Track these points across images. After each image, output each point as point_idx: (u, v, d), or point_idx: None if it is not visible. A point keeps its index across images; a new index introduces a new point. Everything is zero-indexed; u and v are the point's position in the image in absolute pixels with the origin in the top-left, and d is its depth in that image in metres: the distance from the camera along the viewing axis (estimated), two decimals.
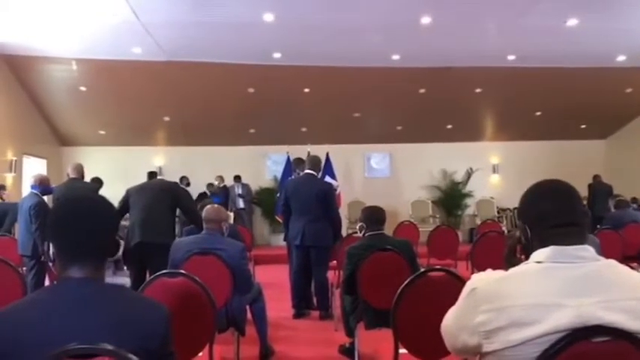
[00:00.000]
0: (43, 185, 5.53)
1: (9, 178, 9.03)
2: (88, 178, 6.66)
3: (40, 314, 1.32)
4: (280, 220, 9.05)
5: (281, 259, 7.77)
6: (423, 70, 9.44)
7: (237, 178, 11.52)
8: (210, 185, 11.19)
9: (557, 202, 1.39)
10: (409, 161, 12.27)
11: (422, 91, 10.26)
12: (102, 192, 7.03)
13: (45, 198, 5.65)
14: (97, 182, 7.40)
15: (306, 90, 10.12)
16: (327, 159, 9.92)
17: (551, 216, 1.37)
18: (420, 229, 7.41)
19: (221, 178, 11.14)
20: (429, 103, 10.61)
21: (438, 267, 2.57)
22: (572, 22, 7.53)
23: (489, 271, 1.41)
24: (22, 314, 1.34)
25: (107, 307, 1.36)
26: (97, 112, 10.62)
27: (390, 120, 11.46)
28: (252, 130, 11.53)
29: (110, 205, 1.56)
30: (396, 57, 8.96)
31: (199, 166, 11.54)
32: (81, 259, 1.41)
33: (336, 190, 7.01)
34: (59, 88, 9.83)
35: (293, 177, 6.37)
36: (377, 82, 9.80)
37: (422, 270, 2.61)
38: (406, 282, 2.47)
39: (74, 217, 1.43)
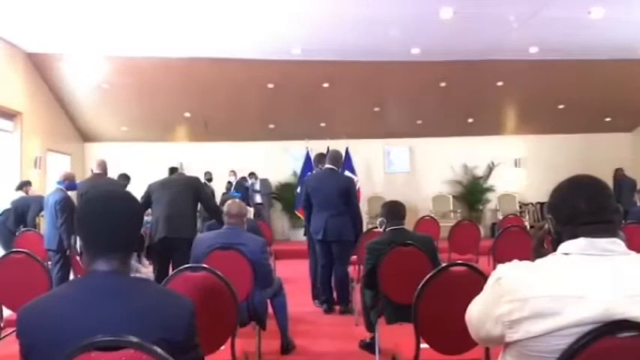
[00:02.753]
0: (68, 181, 5.64)
1: (34, 175, 9.19)
2: (112, 174, 6.76)
3: (68, 306, 1.35)
4: (300, 215, 9.12)
5: (301, 254, 7.79)
6: (443, 63, 9.36)
7: (253, 174, 11.58)
8: (229, 183, 11.24)
9: (591, 200, 1.38)
10: (430, 156, 12.20)
11: (442, 84, 10.19)
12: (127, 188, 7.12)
13: (70, 194, 5.75)
14: (125, 179, 7.49)
15: (326, 85, 10.11)
16: (347, 154, 9.91)
17: (585, 214, 1.36)
18: (441, 224, 7.35)
19: (234, 173, 11.19)
20: (450, 97, 10.54)
21: (459, 262, 2.56)
22: (596, 12, 7.37)
23: (515, 262, 1.40)
24: (50, 306, 1.37)
25: (133, 300, 1.39)
26: (120, 108, 10.76)
27: (410, 114, 11.40)
28: (271, 126, 11.57)
29: (136, 200, 1.60)
30: (416, 51, 8.90)
31: (219, 162, 11.61)
32: (107, 253, 1.44)
33: (356, 185, 7.02)
34: (82, 85, 9.97)
35: (314, 172, 6.39)
36: (397, 76, 9.75)
37: (443, 265, 2.61)
38: (427, 277, 2.46)
39: (101, 211, 1.46)
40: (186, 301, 1.47)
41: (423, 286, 2.45)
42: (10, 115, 8.89)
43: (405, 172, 12.38)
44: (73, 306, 1.36)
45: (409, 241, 3.50)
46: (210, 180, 10.63)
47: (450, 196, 12.10)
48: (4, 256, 3.76)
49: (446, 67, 9.48)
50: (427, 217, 7.42)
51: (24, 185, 7.50)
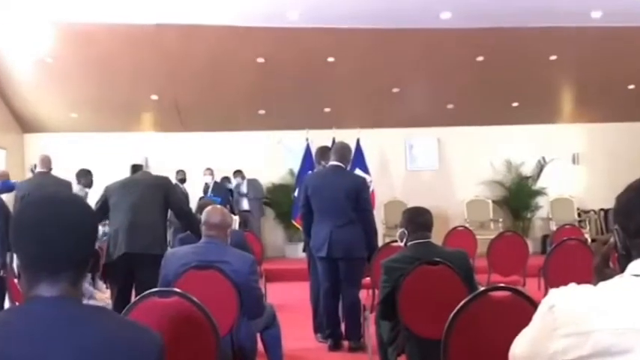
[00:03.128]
0: (1, 180, 5.66)
1: None
2: (59, 173, 6.78)
3: (6, 343, 1.34)
4: (299, 226, 9.14)
5: (299, 275, 7.80)
6: (481, 31, 9.36)
7: (238, 173, 11.58)
8: (206, 185, 11.20)
9: None
10: (463, 149, 12.18)
11: (480, 59, 10.18)
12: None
13: (4, 197, 5.77)
14: (85, 175, 7.41)
15: (331, 59, 10.12)
16: (358, 147, 9.93)
17: None
18: (478, 237, 7.34)
19: (211, 172, 11.12)
20: (489, 75, 10.52)
21: (501, 285, 2.57)
22: None
23: (572, 286, 1.40)
24: None
25: (88, 334, 1.38)
26: (68, 90, 10.79)
27: (439, 96, 11.39)
28: (261, 112, 11.58)
29: (87, 206, 1.59)
30: (446, 15, 8.90)
31: (195, 158, 11.63)
32: (53, 274, 1.43)
33: (369, 186, 7.02)
34: (20, 59, 10.00)
35: (315, 170, 6.39)
36: (421, 48, 9.74)
37: (481, 289, 2.61)
38: (461, 304, 2.47)
39: (44, 220, 1.44)
40: (154, 336, 1.47)
41: (455, 316, 2.45)
42: None
43: (432, 169, 12.36)
44: (12, 343, 1.34)
45: (437, 259, 3.51)
46: (183, 181, 10.67)
47: (490, 201, 12.08)
48: None
49: (484, 36, 9.47)
50: (460, 228, 7.43)
51: None
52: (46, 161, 6.28)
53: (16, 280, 1.51)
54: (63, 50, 9.72)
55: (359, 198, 5.28)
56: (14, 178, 6.08)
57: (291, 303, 6.80)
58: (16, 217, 1.52)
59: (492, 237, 6.81)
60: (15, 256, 1.54)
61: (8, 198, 5.99)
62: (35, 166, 6.91)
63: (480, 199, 12.08)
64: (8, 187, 5.84)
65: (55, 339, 1.35)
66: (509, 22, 9.13)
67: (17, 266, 1.51)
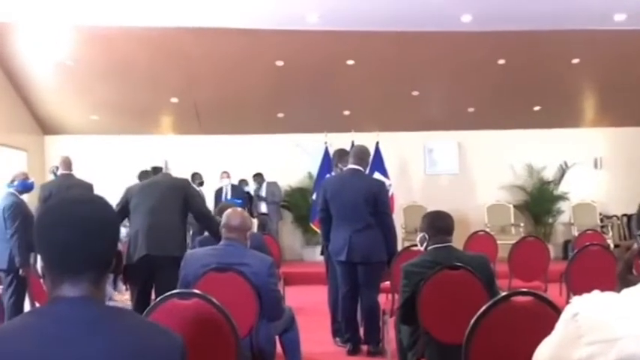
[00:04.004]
0: (20, 181, 5.74)
1: None
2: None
3: (30, 343, 1.36)
4: (317, 229, 9.16)
5: (317, 279, 7.80)
6: (502, 34, 9.31)
7: (258, 177, 11.59)
8: (219, 190, 11.18)
9: None
10: (484, 153, 12.12)
11: (501, 62, 10.13)
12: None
13: (25, 197, 5.85)
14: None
15: (350, 62, 10.13)
16: (377, 150, 9.94)
17: None
18: (499, 242, 7.33)
19: (227, 175, 11.14)
20: (511, 78, 10.47)
21: (524, 290, 2.55)
22: None
23: (596, 293, 1.39)
24: (6, 344, 1.37)
25: (111, 335, 1.39)
26: (89, 92, 10.88)
27: (459, 100, 11.35)
28: (280, 115, 11.61)
29: (110, 207, 1.61)
30: (467, 18, 8.86)
31: (214, 161, 11.68)
32: (75, 275, 1.44)
33: (388, 190, 7.01)
34: (41, 62, 10.12)
35: (333, 173, 6.39)
36: (442, 50, 9.72)
37: (502, 294, 2.59)
38: (482, 309, 2.47)
39: (67, 221, 1.46)
40: (176, 338, 1.48)
41: (476, 321, 2.44)
42: None
43: (452, 173, 12.32)
44: (35, 343, 1.36)
45: (458, 263, 3.50)
46: (201, 184, 10.70)
47: (511, 206, 12.00)
48: None
49: (505, 38, 9.43)
50: (481, 233, 7.39)
51: None
52: (68, 163, 6.36)
53: (41, 280, 1.52)
54: (83, 53, 9.82)
55: (378, 202, 5.27)
56: (32, 178, 6.14)
57: (309, 306, 6.81)
58: (39, 218, 1.53)
59: (513, 242, 6.79)
60: (39, 256, 1.54)
61: (29, 199, 6.05)
62: (57, 168, 6.99)
63: (501, 203, 12.01)
64: (27, 187, 5.90)
65: (77, 340, 1.36)
66: (531, 24, 9.06)
67: (41, 267, 1.52)
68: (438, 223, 3.74)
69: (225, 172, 11.07)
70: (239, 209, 3.90)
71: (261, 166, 11.71)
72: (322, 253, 6.21)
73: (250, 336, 3.37)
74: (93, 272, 1.47)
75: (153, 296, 4.71)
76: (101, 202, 1.57)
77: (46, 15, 8.75)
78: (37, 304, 5.11)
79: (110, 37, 9.27)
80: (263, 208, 11.50)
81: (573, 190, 12.04)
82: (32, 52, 9.87)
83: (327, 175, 6.96)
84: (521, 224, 11.74)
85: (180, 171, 7.50)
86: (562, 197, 12.07)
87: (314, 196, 9.23)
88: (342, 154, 6.17)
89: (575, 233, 10.28)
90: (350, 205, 5.27)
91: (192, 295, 2.71)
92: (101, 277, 1.50)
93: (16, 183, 5.74)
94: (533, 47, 9.59)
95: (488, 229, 9.13)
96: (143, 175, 5.66)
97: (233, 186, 11.05)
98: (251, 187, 11.50)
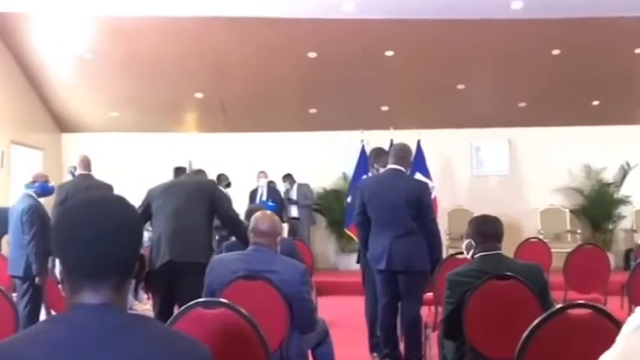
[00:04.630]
0: (39, 183, 5.83)
1: None
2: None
3: (49, 353, 1.38)
4: (352, 235, 9.16)
5: (353, 289, 7.81)
6: (557, 22, 9.22)
7: (288, 177, 11.62)
8: (253, 191, 11.22)
9: None
10: (536, 152, 12.02)
11: (555, 52, 10.03)
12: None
13: (42, 201, 5.95)
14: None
15: (389, 53, 10.11)
16: (418, 149, 9.90)
17: None
18: (553, 250, 7.26)
19: (264, 175, 11.17)
20: (566, 70, 10.36)
21: (581, 302, 2.53)
22: None
23: None
24: (23, 353, 1.40)
25: (132, 344, 1.41)
26: (108, 87, 11.05)
27: (509, 94, 11.26)
28: (313, 110, 11.64)
29: (132, 208, 1.62)
30: (517, 4, 8.79)
31: (241, 160, 11.76)
32: (96, 281, 1.46)
33: (431, 192, 6.97)
34: (58, 55, 10.29)
35: (369, 174, 6.39)
36: (490, 40, 9.66)
37: (557, 306, 2.57)
38: (535, 323, 2.46)
39: (87, 223, 1.48)
40: (203, 349, 1.49)
41: (528, 336, 2.43)
42: None
43: (502, 175, 12.23)
44: (49, 351, 1.38)
45: (508, 273, 3.48)
46: (228, 186, 10.76)
47: (567, 210, 11.88)
48: None
49: (561, 27, 9.33)
50: (533, 240, 7.36)
51: None
52: (86, 162, 6.45)
53: (59, 286, 1.54)
54: (103, 46, 9.97)
55: (421, 205, 5.23)
56: (51, 180, 6.25)
57: (344, 319, 6.82)
58: (57, 221, 1.55)
59: (569, 250, 6.74)
60: (57, 261, 1.57)
61: (45, 200, 6.16)
62: (75, 168, 7.10)
63: (556, 207, 11.89)
64: (47, 191, 6.01)
65: (97, 349, 1.38)
66: (589, 11, 8.95)
67: (60, 272, 1.55)
68: (486, 229, 3.72)
69: (262, 171, 11.10)
70: (268, 212, 3.92)
71: (292, 167, 11.74)
72: (358, 262, 6.20)
73: (281, 349, 3.38)
74: (114, 278, 1.48)
75: (176, 306, 4.76)
76: (122, 203, 1.58)
77: (63, 5, 8.91)
78: (54, 314, 5.19)
79: (131, 28, 9.40)
80: (294, 211, 11.51)
81: (636, 194, 11.87)
82: (49, 45, 10.05)
83: (364, 176, 6.94)
84: (578, 231, 11.61)
85: (206, 171, 7.55)
86: (623, 201, 11.89)
87: (349, 199, 9.22)
88: (378, 153, 6.16)
89: (639, 241, 10.12)
90: (390, 209, 5.24)
91: (218, 304, 2.73)
92: (123, 282, 1.51)
93: (36, 185, 5.84)
94: (592, 36, 9.46)
95: (541, 236, 9.08)
96: (177, 172, 5.72)
97: (269, 188, 11.07)
98: (281, 189, 11.52)
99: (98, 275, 1.47)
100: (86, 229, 1.47)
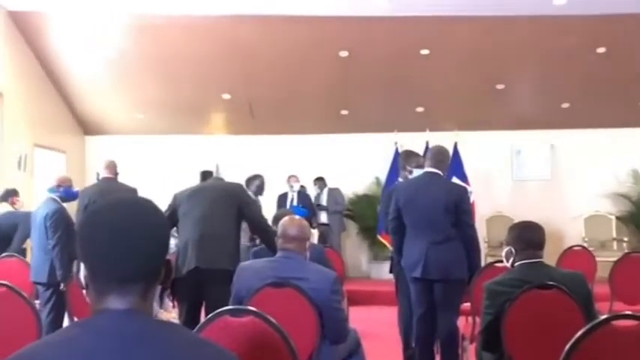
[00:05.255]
0: (64, 187, 5.92)
1: (17, 179, 9.63)
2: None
3: (67, 357, 1.41)
4: (385, 242, 9.13)
5: (386, 299, 7.80)
6: (602, 18, 9.13)
7: (319, 181, 11.60)
8: (282, 196, 11.21)
9: None
10: (581, 156, 11.90)
11: (601, 50, 9.93)
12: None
13: (66, 205, 6.04)
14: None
15: (425, 52, 10.09)
16: (455, 152, 9.84)
17: None
18: (598, 259, 7.20)
19: (296, 179, 11.13)
20: (612, 69, 10.25)
21: (627, 313, 2.50)
22: None
23: None
24: (43, 356, 1.43)
25: (157, 351, 1.43)
26: (134, 88, 11.17)
27: (552, 94, 11.17)
28: (344, 112, 11.65)
29: (159, 211, 1.64)
30: (560, 1, 8.74)
31: (270, 163, 11.79)
32: (121, 286, 1.48)
33: (470, 197, 6.94)
34: (82, 55, 10.43)
35: (400, 178, 6.37)
36: (531, 38, 9.61)
37: (602, 317, 2.55)
38: (578, 334, 2.44)
39: (110, 228, 1.50)
40: (230, 357, 1.51)
41: (571, 348, 2.42)
42: None
43: (544, 179, 12.13)
44: (73, 357, 1.41)
45: (550, 282, 3.46)
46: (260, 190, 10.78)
47: (613, 217, 11.74)
48: None
49: (606, 23, 9.25)
50: (577, 248, 7.29)
51: (9, 195, 7.87)
52: (112, 166, 6.54)
53: (84, 292, 1.56)
54: (128, 45, 10.09)
55: (459, 211, 5.18)
56: (75, 184, 6.35)
57: (376, 330, 6.80)
58: (82, 223, 1.58)
59: (615, 259, 6.66)
60: (82, 265, 1.59)
61: (69, 206, 6.25)
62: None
63: (601, 214, 11.75)
64: (71, 196, 6.10)
65: (121, 355, 1.40)
66: (635, 6, 8.87)
67: (84, 276, 1.57)
68: (527, 236, 3.71)
69: (294, 175, 11.04)
70: (297, 217, 3.93)
71: (323, 170, 11.75)
72: (391, 271, 6.17)
73: (311, 359, 3.40)
74: (140, 283, 1.50)
75: (202, 314, 4.79)
76: (149, 206, 1.60)
77: (86, 3, 9.05)
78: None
79: (156, 27, 9.50)
80: (324, 217, 11.49)
81: None
82: (72, 46, 10.19)
83: (398, 181, 6.91)
84: (625, 239, 11.48)
85: (233, 175, 7.59)
86: None
87: (381, 204, 9.21)
88: (408, 155, 6.14)
89: None
90: (427, 214, 5.20)
91: (246, 312, 2.74)
92: (149, 288, 1.53)
93: (60, 189, 5.93)
94: (638, 32, 9.36)
95: (585, 244, 8.96)
96: (204, 176, 5.77)
97: (300, 192, 11.06)
98: (311, 194, 11.51)
99: (123, 280, 1.48)
100: (111, 232, 1.49)
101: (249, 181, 9.89)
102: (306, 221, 3.93)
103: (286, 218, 3.83)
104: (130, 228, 1.50)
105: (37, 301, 5.68)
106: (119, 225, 1.50)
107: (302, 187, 11.35)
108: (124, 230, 1.50)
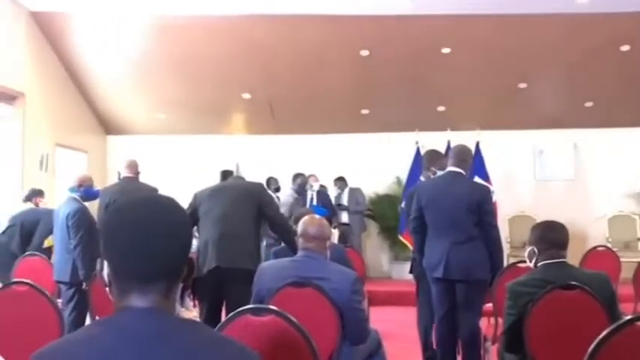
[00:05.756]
0: (85, 187, 5.97)
1: (39, 178, 9.71)
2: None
3: (93, 356, 1.43)
4: (406, 242, 9.12)
5: (406, 300, 7.79)
6: (626, 16, 9.07)
7: (340, 181, 11.60)
8: (297, 193, 11.21)
9: None
10: (604, 155, 11.83)
11: (624, 48, 9.86)
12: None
13: (87, 205, 6.09)
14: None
15: (446, 50, 10.07)
16: (477, 152, 9.81)
17: None
18: (622, 259, 7.16)
19: (316, 179, 11.13)
20: (636, 67, 10.16)
21: None
22: None
23: None
24: (72, 355, 1.45)
25: (180, 349, 1.44)
26: (154, 88, 11.24)
27: (575, 93, 11.10)
28: (365, 111, 11.64)
29: (182, 209, 1.65)
30: None
31: (290, 163, 11.80)
32: (143, 284, 1.50)
33: (492, 197, 6.91)
34: (104, 55, 10.51)
35: (422, 178, 6.35)
36: (553, 36, 9.56)
37: (626, 318, 2.53)
38: (602, 335, 2.44)
39: (136, 225, 1.52)
40: (252, 355, 1.52)
41: (594, 350, 2.40)
42: (8, 97, 9.44)
43: (567, 179, 12.06)
44: (104, 357, 1.42)
45: (573, 282, 3.44)
46: (277, 190, 10.82)
47: (637, 217, 11.66)
48: (2, 288, 4.03)
49: (629, 21, 9.18)
50: (601, 248, 7.26)
51: (33, 195, 7.94)
52: (133, 166, 6.59)
53: (107, 289, 1.58)
54: (149, 46, 10.16)
55: (482, 211, 5.14)
56: (96, 184, 6.40)
57: (397, 330, 6.80)
58: (104, 224, 1.59)
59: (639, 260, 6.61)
60: (105, 263, 1.60)
61: (90, 205, 6.29)
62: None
63: (625, 214, 11.67)
64: (93, 195, 6.15)
65: (143, 353, 1.42)
66: None
67: (107, 274, 1.59)
68: (551, 236, 3.69)
69: (313, 175, 10.97)
70: (317, 216, 3.93)
71: (343, 170, 11.74)
72: (411, 271, 6.15)
73: None
74: (161, 281, 1.52)
75: (223, 314, 4.82)
76: (170, 204, 1.61)
77: (108, 4, 9.12)
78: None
79: (177, 27, 9.56)
80: (344, 217, 11.48)
81: None
82: (94, 46, 10.28)
83: (419, 180, 6.89)
84: None
85: (253, 174, 7.63)
86: None
87: (403, 204, 9.18)
88: (432, 156, 6.12)
89: None
90: (449, 214, 5.17)
91: (267, 311, 2.75)
92: (171, 286, 1.54)
93: (82, 189, 5.98)
94: None
95: (609, 245, 8.93)
96: (224, 175, 5.82)
97: (319, 192, 11.06)
98: (331, 194, 11.50)
99: (143, 278, 1.50)
100: (131, 231, 1.51)
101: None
102: (326, 221, 3.92)
103: (306, 217, 3.83)
104: (150, 226, 1.52)
105: (59, 300, 5.73)
106: (139, 223, 1.52)
107: (322, 186, 11.36)
108: (144, 228, 1.51)
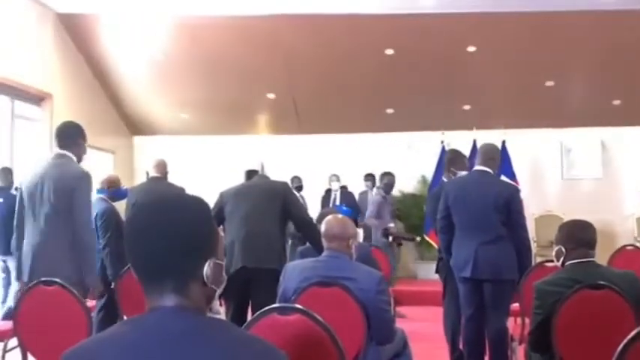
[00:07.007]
0: (113, 187, 6.02)
1: None
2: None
3: (121, 355, 1.45)
4: (432, 241, 9.10)
5: (432, 300, 7.76)
6: None
7: (369, 178, 11.57)
8: (326, 193, 11.23)
9: None
10: (633, 154, 11.74)
11: None
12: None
13: (116, 205, 6.15)
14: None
15: (471, 49, 10.03)
16: (504, 150, 9.75)
17: None
18: None
19: (337, 179, 11.13)
20: None
21: None
22: None
23: None
24: (100, 355, 1.47)
25: (207, 347, 1.45)
26: (180, 88, 11.34)
27: (603, 91, 11.01)
28: (390, 111, 11.64)
29: (203, 207, 1.64)
30: None
31: (315, 162, 11.84)
32: (173, 283, 1.51)
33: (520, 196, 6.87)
34: (130, 56, 10.63)
35: (444, 179, 6.32)
36: (580, 33, 9.48)
37: None
38: (631, 335, 2.41)
39: (149, 227, 1.53)
40: (279, 354, 1.52)
41: (623, 350, 2.39)
42: (36, 98, 9.60)
43: (595, 178, 11.97)
44: (131, 355, 1.44)
45: (601, 282, 3.42)
46: (299, 189, 10.86)
47: None
48: (30, 286, 4.04)
49: None
50: (629, 248, 7.16)
51: None
52: (161, 166, 6.63)
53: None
54: (174, 46, 10.24)
55: (510, 210, 5.11)
56: (123, 184, 6.46)
57: (423, 330, 6.78)
58: (128, 222, 1.62)
59: None
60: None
61: (118, 204, 6.35)
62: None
63: None
64: (120, 195, 6.19)
65: (169, 352, 1.43)
66: None
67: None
68: (578, 235, 3.66)
69: (334, 174, 11.09)
70: (340, 215, 3.91)
71: (368, 170, 11.73)
72: (437, 271, 6.14)
73: (357, 359, 3.40)
74: (191, 280, 1.53)
75: (250, 314, 4.84)
76: (189, 202, 1.61)
77: (133, 5, 9.21)
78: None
79: (202, 27, 9.62)
80: None
81: None
82: (120, 47, 10.40)
83: (444, 179, 6.87)
84: None
85: (278, 174, 7.63)
86: None
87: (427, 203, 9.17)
88: (455, 156, 6.09)
89: None
90: (477, 213, 5.14)
91: (293, 310, 2.76)
92: (191, 285, 1.54)
93: (108, 190, 6.04)
94: None
95: (638, 244, 8.83)
96: (248, 175, 5.81)
97: (343, 191, 11.07)
98: (357, 191, 11.47)
99: (174, 278, 1.51)
100: (149, 233, 1.52)
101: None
102: (348, 219, 3.90)
103: (329, 217, 3.82)
104: (178, 223, 1.52)
105: (90, 302, 5.79)
106: (153, 223, 1.53)
107: (342, 187, 11.30)
108: (172, 226, 1.52)
